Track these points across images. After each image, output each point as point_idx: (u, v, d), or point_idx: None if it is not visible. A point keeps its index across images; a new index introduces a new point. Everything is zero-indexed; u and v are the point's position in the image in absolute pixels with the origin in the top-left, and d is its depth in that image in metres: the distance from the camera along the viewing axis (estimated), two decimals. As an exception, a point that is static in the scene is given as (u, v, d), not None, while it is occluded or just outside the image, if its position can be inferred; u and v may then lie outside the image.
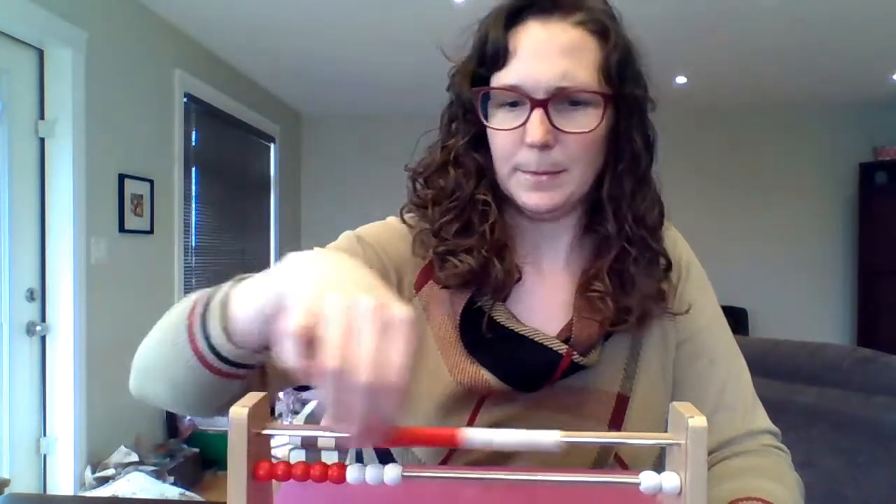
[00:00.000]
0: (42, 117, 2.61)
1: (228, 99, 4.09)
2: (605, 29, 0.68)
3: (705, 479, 0.41)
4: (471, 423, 0.71)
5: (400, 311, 0.40)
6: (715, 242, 5.03)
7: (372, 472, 0.43)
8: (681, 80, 4.37)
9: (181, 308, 0.58)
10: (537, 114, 0.66)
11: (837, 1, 3.08)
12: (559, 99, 0.66)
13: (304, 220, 5.59)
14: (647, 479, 0.42)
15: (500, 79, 0.68)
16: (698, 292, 0.80)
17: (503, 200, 0.75)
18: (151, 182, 3.19)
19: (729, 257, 5.05)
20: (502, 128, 0.69)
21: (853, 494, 1.42)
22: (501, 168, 0.71)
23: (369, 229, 0.79)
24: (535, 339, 0.71)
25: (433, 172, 0.75)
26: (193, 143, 3.73)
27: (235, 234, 4.36)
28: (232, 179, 4.30)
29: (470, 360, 0.71)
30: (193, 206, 3.74)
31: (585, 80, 0.66)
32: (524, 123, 0.67)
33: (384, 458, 0.77)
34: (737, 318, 4.95)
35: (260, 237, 4.79)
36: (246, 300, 0.51)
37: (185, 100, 3.56)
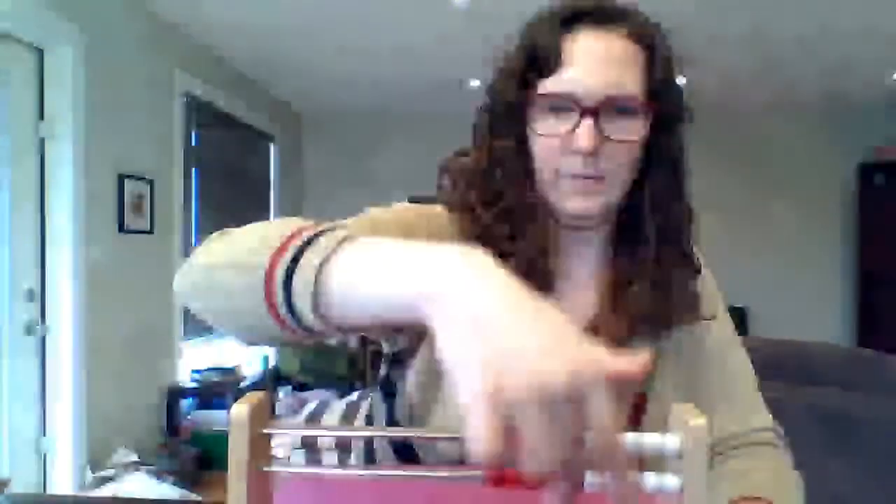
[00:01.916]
0: (42, 117, 2.61)
1: (228, 99, 4.09)
2: (652, 42, 0.71)
3: (705, 480, 0.41)
4: None
5: (594, 372, 0.34)
6: (715, 242, 4.99)
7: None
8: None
9: (263, 241, 0.50)
10: (587, 122, 0.66)
11: (837, 1, 3.08)
12: (607, 107, 0.67)
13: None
14: (647, 480, 0.42)
15: (550, 85, 0.69)
16: (706, 291, 0.81)
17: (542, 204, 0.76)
18: (151, 182, 3.19)
19: (729, 257, 5.04)
20: (549, 133, 0.69)
21: (853, 494, 1.42)
22: (544, 173, 0.71)
23: (422, 209, 0.76)
24: None
25: (481, 174, 0.74)
26: (193, 143, 3.72)
27: (235, 234, 4.35)
28: (232, 179, 4.30)
29: None
30: (193, 206, 3.74)
31: (633, 90, 0.68)
32: (573, 130, 0.67)
33: (405, 454, 0.76)
34: (737, 318, 4.92)
35: (260, 237, 4.78)
36: (361, 282, 0.44)
37: (185, 100, 3.55)
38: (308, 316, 0.46)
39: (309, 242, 0.47)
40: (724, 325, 0.82)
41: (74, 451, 2.65)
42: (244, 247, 0.50)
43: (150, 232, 3.18)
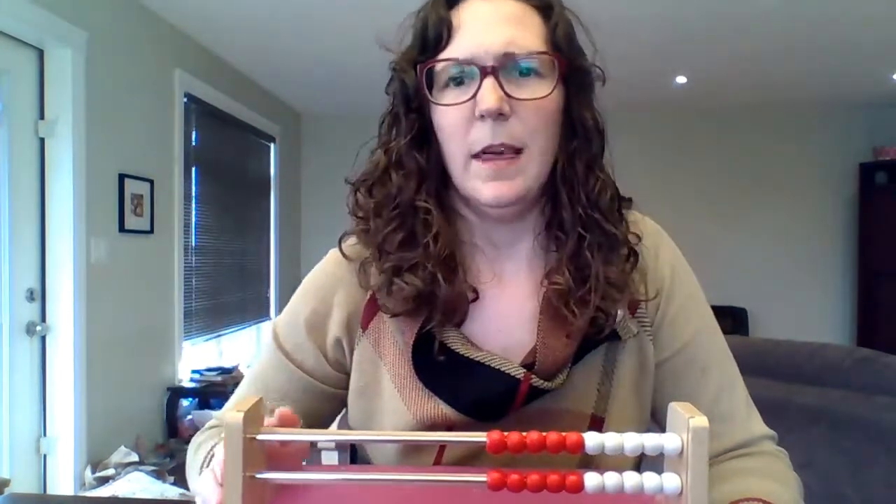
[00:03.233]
0: (42, 117, 2.61)
1: (228, 99, 4.09)
2: (548, 5, 0.68)
3: (706, 480, 0.41)
4: (438, 460, 0.69)
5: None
6: (715, 242, 5.03)
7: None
8: (681, 80, 4.37)
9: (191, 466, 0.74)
10: (488, 81, 0.62)
11: (837, 1, 3.08)
12: (508, 66, 0.63)
13: (304, 220, 5.58)
14: (648, 480, 0.42)
15: (445, 56, 0.66)
16: (685, 303, 0.74)
17: (450, 211, 0.72)
18: (151, 182, 3.18)
19: (729, 257, 5.05)
20: (452, 103, 0.65)
21: (853, 494, 1.42)
22: (456, 157, 0.67)
23: (312, 285, 0.77)
24: (493, 365, 0.67)
25: (375, 180, 0.70)
26: (193, 143, 3.72)
27: (235, 234, 4.35)
28: (232, 179, 4.30)
29: (427, 395, 0.68)
30: (193, 206, 3.74)
31: (534, 47, 0.65)
32: (475, 94, 0.63)
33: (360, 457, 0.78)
34: (737, 318, 4.95)
35: (260, 237, 4.79)
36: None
37: (185, 100, 3.55)
38: None
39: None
40: (708, 334, 0.75)
41: (74, 451, 2.65)
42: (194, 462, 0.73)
43: (150, 232, 3.18)
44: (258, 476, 0.45)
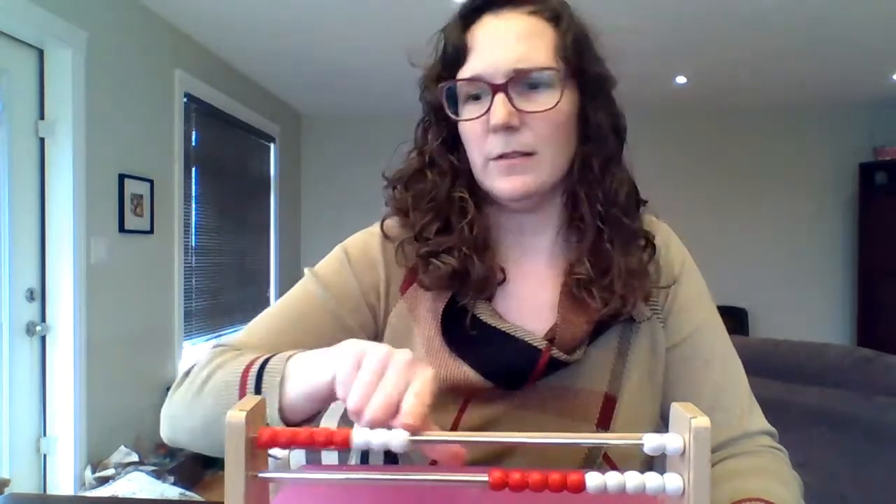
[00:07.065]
0: (42, 117, 2.61)
1: (228, 99, 4.09)
2: (558, 15, 0.72)
3: (709, 480, 0.41)
4: (456, 423, 0.72)
5: (403, 355, 0.49)
6: (715, 242, 5.03)
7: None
8: (681, 80, 4.37)
9: (224, 381, 0.62)
10: (498, 98, 0.68)
11: (837, 1, 3.08)
12: (518, 82, 0.68)
13: (304, 220, 5.58)
14: (650, 480, 0.42)
15: (462, 74, 0.72)
16: (693, 295, 0.80)
17: (482, 199, 0.77)
18: (151, 182, 3.19)
19: (729, 257, 5.05)
20: (470, 118, 0.72)
21: (853, 494, 1.42)
22: (476, 161, 0.73)
23: (356, 242, 0.81)
24: (517, 336, 0.72)
25: (410, 177, 0.78)
26: (193, 143, 3.72)
27: (235, 234, 4.35)
28: (232, 179, 4.30)
29: (452, 358, 0.73)
30: (193, 206, 3.74)
31: (542, 62, 0.69)
32: (488, 110, 0.69)
33: (388, 454, 0.78)
34: (737, 318, 4.95)
35: (260, 237, 4.79)
36: (302, 381, 0.56)
37: (185, 100, 3.55)
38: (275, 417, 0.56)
39: (261, 375, 0.59)
40: (713, 328, 0.79)
41: (74, 451, 2.65)
42: (206, 392, 0.63)
43: (150, 232, 3.18)
44: (260, 475, 0.45)
